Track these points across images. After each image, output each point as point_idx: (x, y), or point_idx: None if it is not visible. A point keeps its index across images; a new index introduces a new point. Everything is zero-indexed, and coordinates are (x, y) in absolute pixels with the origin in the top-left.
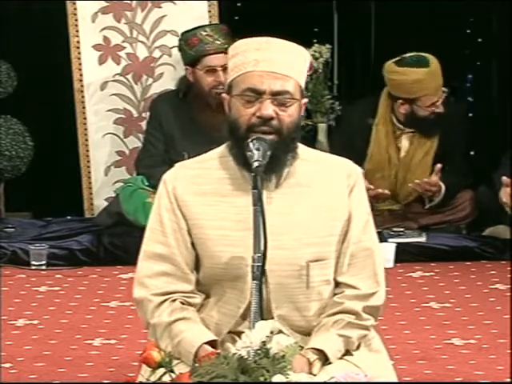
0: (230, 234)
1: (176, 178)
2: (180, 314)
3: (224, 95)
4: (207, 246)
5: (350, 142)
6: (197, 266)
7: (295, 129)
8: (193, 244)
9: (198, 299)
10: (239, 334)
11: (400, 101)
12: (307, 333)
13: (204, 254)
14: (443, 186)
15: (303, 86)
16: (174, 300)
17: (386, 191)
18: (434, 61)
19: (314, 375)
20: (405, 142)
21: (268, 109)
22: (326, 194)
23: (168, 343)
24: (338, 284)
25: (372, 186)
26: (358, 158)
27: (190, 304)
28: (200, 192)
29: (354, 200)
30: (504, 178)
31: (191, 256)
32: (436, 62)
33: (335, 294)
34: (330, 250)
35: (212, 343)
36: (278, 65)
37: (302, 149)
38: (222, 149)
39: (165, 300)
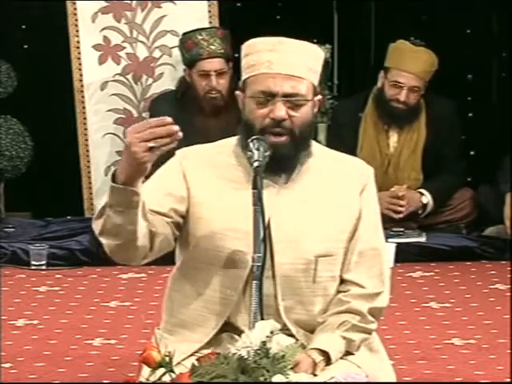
0: (234, 217)
1: (188, 154)
2: None
3: (237, 92)
4: (208, 226)
5: (341, 136)
6: (183, 247)
7: (308, 128)
8: (184, 218)
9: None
10: (236, 330)
11: (382, 71)
12: (309, 329)
13: (201, 233)
14: (428, 195)
15: (317, 84)
16: None
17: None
18: (427, 54)
19: (316, 375)
20: (393, 138)
21: (281, 110)
22: (337, 191)
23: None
24: (343, 281)
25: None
26: (350, 152)
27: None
28: (208, 172)
29: (366, 199)
30: None
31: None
32: (430, 58)
33: (340, 292)
34: (339, 247)
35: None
36: (291, 66)
37: (316, 147)
38: (236, 138)
39: None
